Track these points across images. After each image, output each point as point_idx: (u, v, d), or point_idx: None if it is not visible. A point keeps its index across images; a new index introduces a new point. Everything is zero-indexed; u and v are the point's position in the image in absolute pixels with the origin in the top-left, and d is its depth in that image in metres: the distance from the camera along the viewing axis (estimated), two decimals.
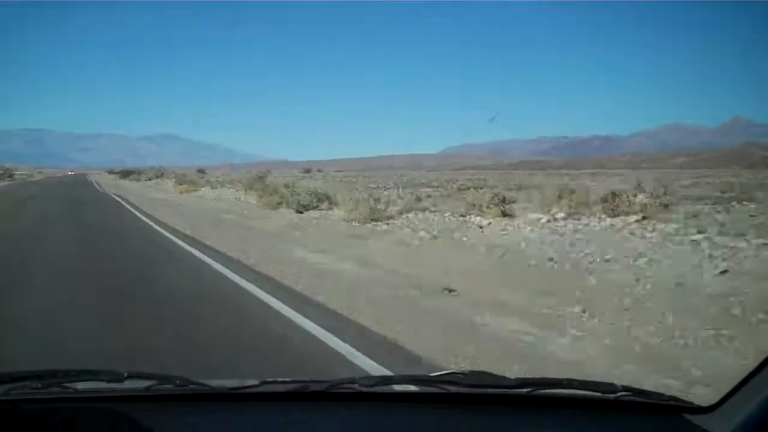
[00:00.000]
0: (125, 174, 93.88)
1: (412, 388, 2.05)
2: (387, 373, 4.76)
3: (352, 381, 1.93)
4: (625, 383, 1.97)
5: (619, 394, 1.87)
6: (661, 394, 1.95)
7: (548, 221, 13.47)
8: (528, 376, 2.40)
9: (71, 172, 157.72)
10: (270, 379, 1.93)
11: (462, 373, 2.03)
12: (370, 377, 2.22)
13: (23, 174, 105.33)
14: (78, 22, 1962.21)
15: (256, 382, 1.89)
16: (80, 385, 1.80)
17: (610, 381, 2.01)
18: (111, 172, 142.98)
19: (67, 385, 1.78)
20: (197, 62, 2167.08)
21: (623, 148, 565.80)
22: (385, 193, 28.06)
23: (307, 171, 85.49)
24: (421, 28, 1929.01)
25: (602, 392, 1.90)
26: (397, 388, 2.10)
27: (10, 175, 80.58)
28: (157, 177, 68.42)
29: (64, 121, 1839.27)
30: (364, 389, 1.90)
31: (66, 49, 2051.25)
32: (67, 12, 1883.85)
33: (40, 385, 1.74)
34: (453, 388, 1.92)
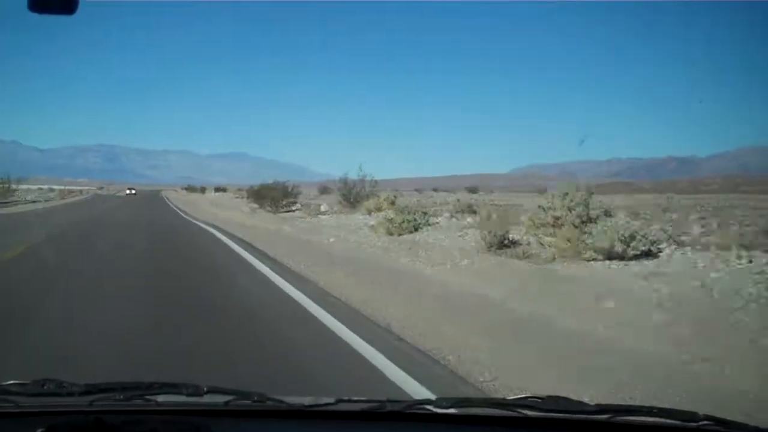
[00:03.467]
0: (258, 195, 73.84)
1: (488, 411, 2.01)
2: None
3: (429, 402, 1.94)
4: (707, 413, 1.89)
5: (701, 423, 1.81)
6: (745, 425, 1.85)
7: None
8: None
9: (130, 191, 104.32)
10: (346, 398, 1.93)
11: (539, 398, 1.96)
12: (446, 399, 2.01)
13: (38, 189, 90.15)
14: (149, 41, 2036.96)
15: (331, 400, 1.90)
16: (161, 398, 1.84)
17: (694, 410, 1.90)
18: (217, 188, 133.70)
19: (149, 397, 1.82)
20: (270, 80, 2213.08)
21: (701, 171, 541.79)
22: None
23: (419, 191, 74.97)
24: (486, 45, 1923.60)
25: (683, 421, 1.83)
26: (473, 411, 2.04)
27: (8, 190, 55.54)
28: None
29: (136, 137, 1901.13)
30: (440, 411, 1.89)
31: (140, 66, 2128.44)
32: (138, 31, 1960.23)
33: (122, 397, 1.79)
34: (531, 413, 1.88)
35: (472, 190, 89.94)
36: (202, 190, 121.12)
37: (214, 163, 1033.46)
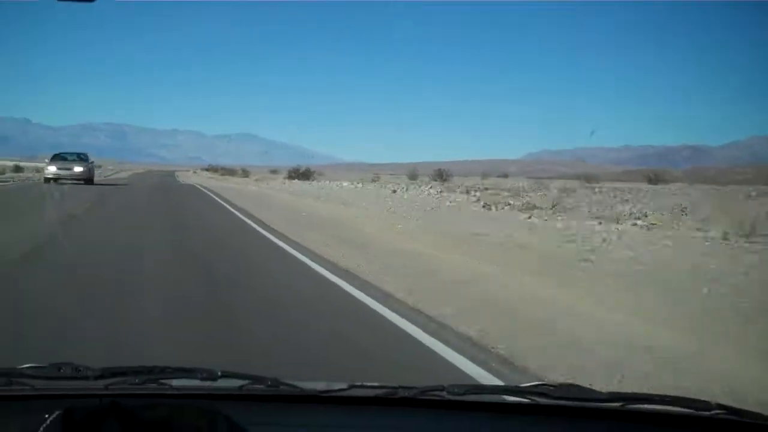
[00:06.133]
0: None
1: (501, 398, 2.05)
2: None
3: (441, 389, 1.92)
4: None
5: (713, 412, 1.81)
6: (759, 414, 1.86)
7: None
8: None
9: (62, 169, 36.99)
10: (358, 384, 1.96)
11: (552, 385, 2.03)
12: (459, 385, 1.99)
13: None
14: (158, 20, 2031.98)
15: (344, 385, 1.94)
16: (176, 382, 1.87)
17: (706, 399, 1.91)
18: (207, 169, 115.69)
19: (164, 381, 1.84)
20: (277, 62, 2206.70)
21: (713, 160, 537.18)
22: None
23: (414, 177, 76.34)
24: (499, 31, 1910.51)
25: (696, 409, 1.84)
26: (486, 397, 2.06)
27: None
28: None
29: (145, 116, 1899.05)
30: (453, 398, 1.91)
31: (147, 45, 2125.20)
32: (147, 11, 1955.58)
33: (137, 381, 1.81)
34: (543, 400, 1.91)
35: (485, 176, 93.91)
36: (245, 174, 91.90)
37: (222, 144, 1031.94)
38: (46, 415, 1.51)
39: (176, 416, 1.61)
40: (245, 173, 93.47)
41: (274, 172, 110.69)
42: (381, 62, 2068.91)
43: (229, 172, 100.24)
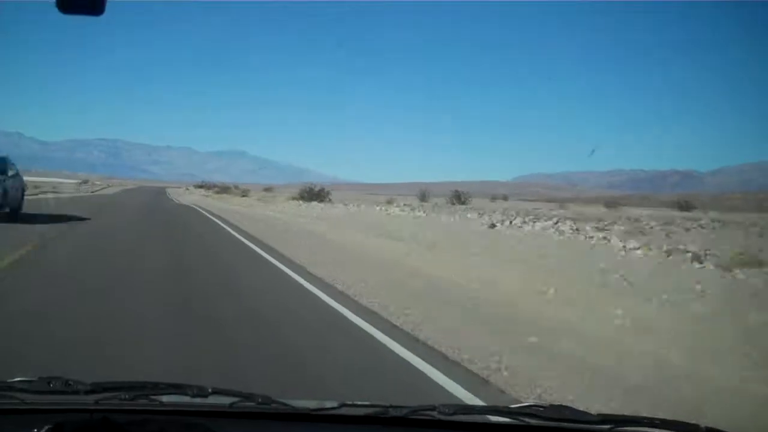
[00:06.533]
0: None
1: (491, 418, 2.03)
2: None
3: (432, 408, 1.91)
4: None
5: None
6: None
7: None
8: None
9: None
10: (349, 402, 1.94)
11: (541, 406, 2.01)
12: (449, 405, 1.99)
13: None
14: (150, 37, 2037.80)
15: (335, 404, 1.92)
16: (166, 398, 1.84)
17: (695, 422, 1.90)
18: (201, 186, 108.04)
19: (154, 397, 1.82)
20: (271, 81, 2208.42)
21: (703, 186, 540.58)
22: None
23: (424, 198, 70.49)
24: (487, 54, 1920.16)
25: None
26: (476, 418, 2.05)
27: None
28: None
29: (138, 132, 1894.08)
30: (443, 417, 1.89)
31: (143, 61, 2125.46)
32: (139, 27, 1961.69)
33: (127, 397, 1.78)
34: (533, 421, 1.89)
35: (493, 198, 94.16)
36: (244, 192, 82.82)
37: (213, 161, 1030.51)
38: (35, 430, 1.49)
39: None
40: (243, 192, 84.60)
41: (268, 190, 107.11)
42: (372, 81, 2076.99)
43: (223, 189, 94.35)
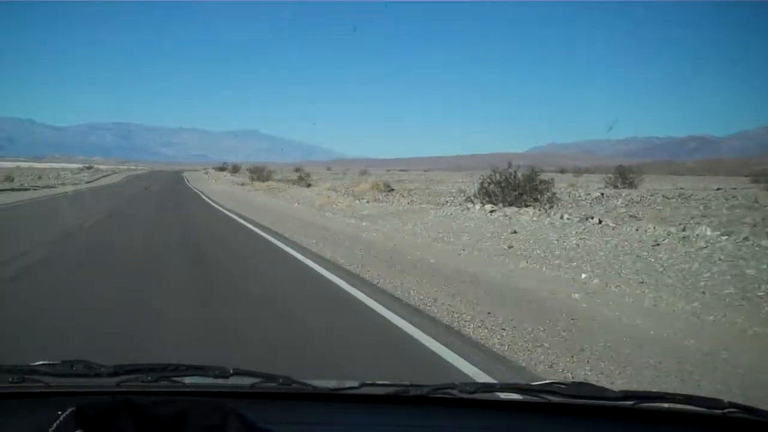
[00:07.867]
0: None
1: (512, 396, 2.00)
2: None
3: (453, 386, 1.91)
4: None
5: (726, 410, 1.78)
6: None
7: None
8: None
9: None
10: (369, 382, 1.93)
11: (563, 383, 1.96)
12: (471, 384, 2.01)
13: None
14: (162, 20, 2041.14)
15: (356, 383, 1.92)
16: (188, 380, 1.87)
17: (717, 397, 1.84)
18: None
19: (176, 379, 1.84)
20: (280, 59, 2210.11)
21: (720, 151, 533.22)
22: None
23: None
24: (501, 27, 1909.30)
25: (708, 408, 1.80)
26: (497, 396, 2.02)
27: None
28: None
29: (150, 114, 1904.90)
30: (465, 396, 1.90)
31: (154, 43, 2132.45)
32: (152, 12, 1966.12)
33: (149, 379, 1.80)
34: (554, 398, 1.88)
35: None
36: (302, 178, 53.08)
37: (226, 141, 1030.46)
38: (59, 412, 1.46)
39: (189, 413, 1.56)
40: (300, 178, 54.10)
41: (297, 170, 76.26)
42: (386, 57, 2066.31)
43: (255, 171, 64.94)
